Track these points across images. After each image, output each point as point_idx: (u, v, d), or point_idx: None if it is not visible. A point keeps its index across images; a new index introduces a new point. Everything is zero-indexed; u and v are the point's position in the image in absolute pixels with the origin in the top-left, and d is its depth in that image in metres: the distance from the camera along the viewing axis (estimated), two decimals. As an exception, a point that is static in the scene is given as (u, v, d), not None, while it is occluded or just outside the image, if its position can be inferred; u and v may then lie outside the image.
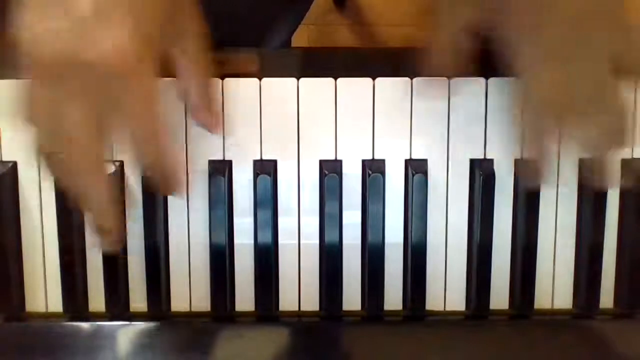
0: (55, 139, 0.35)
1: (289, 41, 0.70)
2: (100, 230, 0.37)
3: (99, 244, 0.38)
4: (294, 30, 0.69)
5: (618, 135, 0.40)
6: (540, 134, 0.40)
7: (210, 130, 0.42)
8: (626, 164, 0.43)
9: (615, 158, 0.42)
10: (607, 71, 0.38)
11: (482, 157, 0.43)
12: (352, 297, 0.43)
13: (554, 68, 0.38)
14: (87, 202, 0.36)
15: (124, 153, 0.42)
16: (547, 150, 0.40)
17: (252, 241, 0.43)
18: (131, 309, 0.44)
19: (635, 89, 0.43)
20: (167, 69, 0.38)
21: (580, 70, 0.38)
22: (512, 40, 0.38)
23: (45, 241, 0.43)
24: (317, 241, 0.43)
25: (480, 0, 0.39)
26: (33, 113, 0.35)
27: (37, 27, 0.33)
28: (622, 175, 0.43)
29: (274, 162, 0.43)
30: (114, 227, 0.37)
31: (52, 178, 0.42)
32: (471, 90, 0.42)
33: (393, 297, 0.43)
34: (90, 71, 0.33)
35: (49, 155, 0.36)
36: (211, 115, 0.41)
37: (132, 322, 0.42)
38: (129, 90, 0.34)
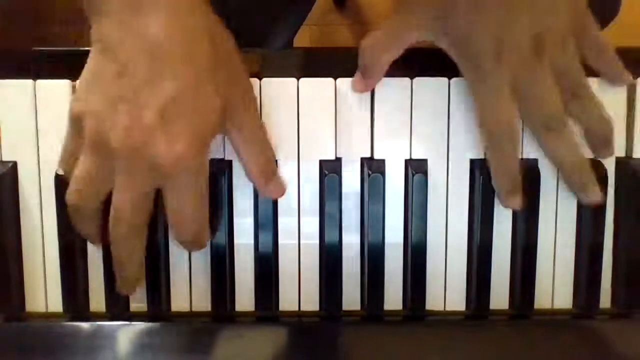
0: (95, 206, 0.38)
1: (291, 42, 0.70)
2: (123, 281, 0.40)
3: (118, 287, 0.41)
4: (296, 31, 0.69)
5: (604, 142, 0.42)
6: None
7: (274, 197, 0.43)
8: (621, 163, 0.43)
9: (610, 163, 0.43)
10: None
11: (482, 157, 0.43)
12: (352, 297, 0.43)
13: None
14: (117, 257, 0.39)
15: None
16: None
17: (252, 241, 0.43)
18: (131, 309, 0.44)
19: (635, 88, 0.43)
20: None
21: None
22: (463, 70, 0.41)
23: (45, 241, 0.43)
24: (317, 241, 0.43)
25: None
26: (84, 180, 0.37)
27: (101, 113, 0.36)
28: (617, 175, 0.43)
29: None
30: (133, 280, 0.40)
31: (52, 178, 0.42)
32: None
33: (393, 297, 0.43)
34: (148, 165, 0.36)
35: (81, 217, 0.39)
36: (273, 184, 0.42)
37: (132, 322, 0.42)
38: (178, 184, 0.37)
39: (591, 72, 0.42)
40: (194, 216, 0.38)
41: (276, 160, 0.42)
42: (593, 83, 0.42)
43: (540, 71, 0.39)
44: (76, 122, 0.37)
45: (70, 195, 0.38)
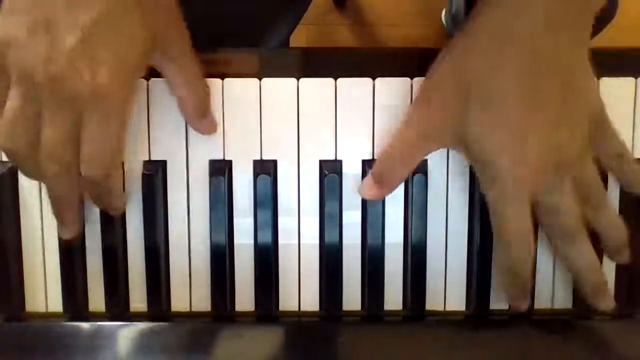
0: (29, 144, 0.36)
1: (287, 41, 0.70)
2: (62, 221, 0.40)
3: (59, 232, 0.41)
4: (292, 30, 0.69)
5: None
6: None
7: (205, 134, 0.42)
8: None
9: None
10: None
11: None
12: (352, 297, 0.43)
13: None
14: (56, 198, 0.39)
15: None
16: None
17: (252, 241, 0.43)
18: (131, 309, 0.44)
19: (635, 87, 0.43)
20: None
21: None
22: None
23: (45, 241, 0.43)
24: (317, 241, 0.43)
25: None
26: (13, 122, 0.36)
27: (23, 44, 0.35)
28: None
29: (274, 162, 0.43)
30: (74, 222, 0.40)
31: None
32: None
33: (393, 297, 0.43)
34: (72, 93, 0.35)
35: (19, 157, 0.38)
36: (206, 122, 0.42)
37: (132, 322, 0.42)
38: (101, 114, 0.36)
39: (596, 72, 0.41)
40: (110, 146, 0.37)
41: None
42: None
43: (559, 184, 0.39)
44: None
45: (7, 143, 0.37)
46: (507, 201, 0.39)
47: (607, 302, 0.42)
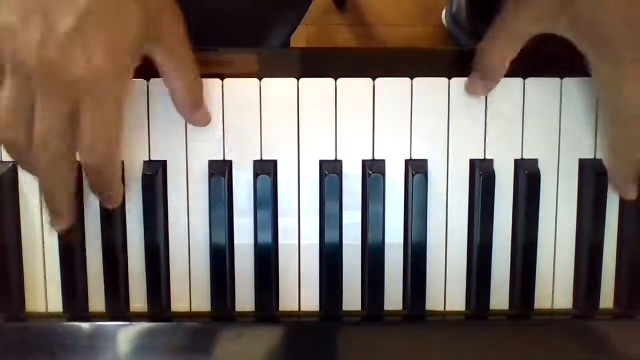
0: (25, 134, 0.36)
1: (287, 41, 0.70)
2: (54, 213, 0.39)
3: (51, 223, 0.40)
4: (293, 30, 0.69)
5: None
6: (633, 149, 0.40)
7: (200, 125, 0.42)
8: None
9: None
10: None
11: (482, 157, 0.43)
12: (352, 297, 0.43)
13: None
14: (48, 188, 0.38)
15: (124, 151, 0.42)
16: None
17: (252, 241, 0.43)
18: (131, 309, 0.44)
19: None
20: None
21: None
22: (590, 56, 0.39)
23: (45, 241, 0.43)
24: (317, 241, 0.43)
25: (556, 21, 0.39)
26: (8, 111, 0.36)
27: (17, 31, 0.34)
28: None
29: (274, 162, 0.43)
30: (66, 212, 0.39)
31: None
32: (471, 90, 0.42)
33: (393, 297, 0.43)
34: (66, 80, 0.34)
35: (21, 152, 0.37)
36: (200, 113, 0.41)
37: (132, 322, 0.42)
38: (98, 100, 0.35)
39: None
40: (109, 133, 0.36)
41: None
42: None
43: None
44: None
45: (2, 134, 0.36)
46: (621, 74, 0.38)
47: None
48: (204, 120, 0.42)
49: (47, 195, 0.38)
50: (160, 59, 0.39)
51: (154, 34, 0.37)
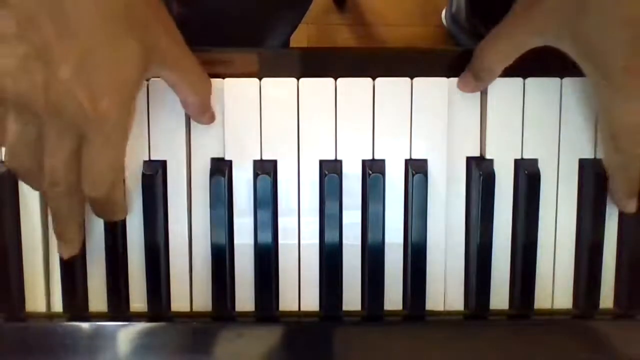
0: (35, 164, 0.37)
1: (287, 41, 0.70)
2: (63, 240, 0.40)
3: (59, 249, 0.41)
4: (293, 30, 0.69)
5: None
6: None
7: (206, 124, 0.43)
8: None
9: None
10: None
11: (482, 157, 0.43)
12: (352, 297, 0.43)
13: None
14: (57, 216, 0.39)
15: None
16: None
17: (252, 241, 0.43)
18: (131, 309, 0.44)
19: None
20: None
21: None
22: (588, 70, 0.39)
23: (45, 241, 0.43)
24: (317, 241, 0.43)
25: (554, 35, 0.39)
26: (15, 147, 0.36)
27: (17, 77, 0.34)
28: None
29: (274, 162, 0.43)
30: (75, 240, 0.41)
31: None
32: (471, 90, 0.42)
33: (393, 297, 0.43)
34: (69, 123, 0.35)
35: (27, 178, 0.38)
36: (209, 114, 0.42)
37: (132, 322, 0.42)
38: (106, 135, 0.36)
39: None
40: (112, 167, 0.37)
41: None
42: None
43: None
44: None
45: (12, 164, 0.37)
46: (620, 92, 0.38)
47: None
48: (210, 120, 0.42)
49: (58, 225, 0.39)
50: (167, 77, 0.39)
51: (155, 60, 0.37)
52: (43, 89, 0.34)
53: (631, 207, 0.42)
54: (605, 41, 0.38)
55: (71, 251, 0.41)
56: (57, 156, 0.36)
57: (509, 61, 0.41)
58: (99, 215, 0.41)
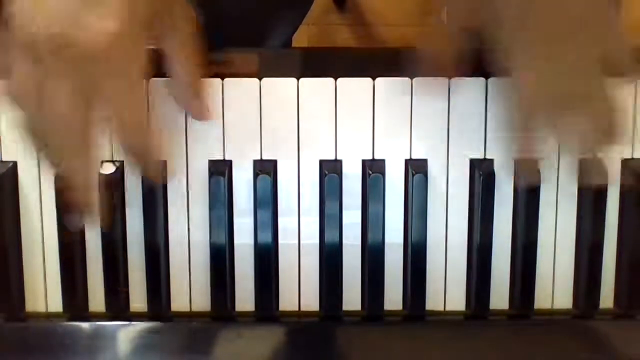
0: (42, 118, 0.35)
1: (289, 41, 0.70)
2: (81, 207, 0.37)
3: (74, 220, 0.38)
4: (295, 30, 0.69)
5: (609, 131, 0.39)
6: (531, 132, 0.40)
7: (199, 119, 0.42)
8: (626, 163, 0.43)
9: (614, 156, 0.42)
10: (594, 68, 0.38)
11: (482, 157, 0.43)
12: (352, 297, 0.43)
13: (542, 66, 0.38)
14: (73, 181, 0.36)
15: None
16: (539, 147, 0.40)
17: (252, 241, 0.43)
18: (131, 309, 0.44)
19: (635, 89, 0.43)
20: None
21: (568, 67, 0.38)
22: (502, 39, 0.38)
23: (45, 241, 0.43)
24: (317, 241, 0.43)
25: (472, 3, 0.39)
26: (20, 92, 0.35)
27: (29, 6, 0.33)
28: (622, 175, 0.43)
29: (274, 162, 0.43)
30: (94, 204, 0.37)
31: (52, 178, 0.42)
32: (471, 90, 0.42)
33: (393, 297, 0.43)
34: (80, 53, 0.33)
35: (36, 135, 0.36)
36: (199, 103, 0.41)
37: (132, 322, 0.42)
38: (116, 74, 0.34)
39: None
40: (136, 116, 0.36)
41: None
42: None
43: None
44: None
45: (13, 99, 0.35)
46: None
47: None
48: (203, 112, 0.41)
49: (71, 187, 0.37)
50: (166, 41, 0.38)
51: (167, 25, 0.37)
52: (48, 18, 0.32)
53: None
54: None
55: (91, 215, 0.37)
56: (63, 98, 0.34)
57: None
58: (136, 164, 0.38)
